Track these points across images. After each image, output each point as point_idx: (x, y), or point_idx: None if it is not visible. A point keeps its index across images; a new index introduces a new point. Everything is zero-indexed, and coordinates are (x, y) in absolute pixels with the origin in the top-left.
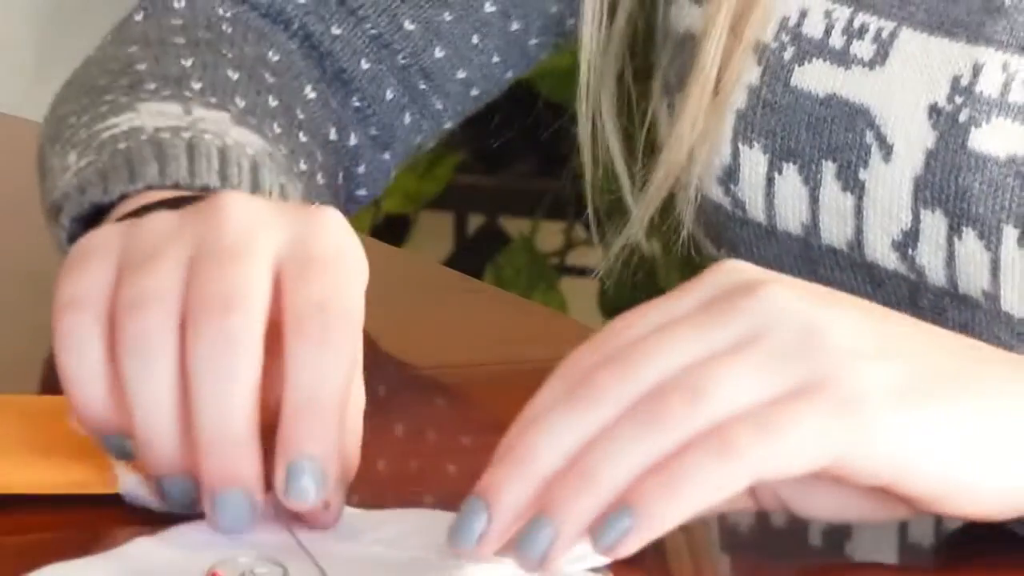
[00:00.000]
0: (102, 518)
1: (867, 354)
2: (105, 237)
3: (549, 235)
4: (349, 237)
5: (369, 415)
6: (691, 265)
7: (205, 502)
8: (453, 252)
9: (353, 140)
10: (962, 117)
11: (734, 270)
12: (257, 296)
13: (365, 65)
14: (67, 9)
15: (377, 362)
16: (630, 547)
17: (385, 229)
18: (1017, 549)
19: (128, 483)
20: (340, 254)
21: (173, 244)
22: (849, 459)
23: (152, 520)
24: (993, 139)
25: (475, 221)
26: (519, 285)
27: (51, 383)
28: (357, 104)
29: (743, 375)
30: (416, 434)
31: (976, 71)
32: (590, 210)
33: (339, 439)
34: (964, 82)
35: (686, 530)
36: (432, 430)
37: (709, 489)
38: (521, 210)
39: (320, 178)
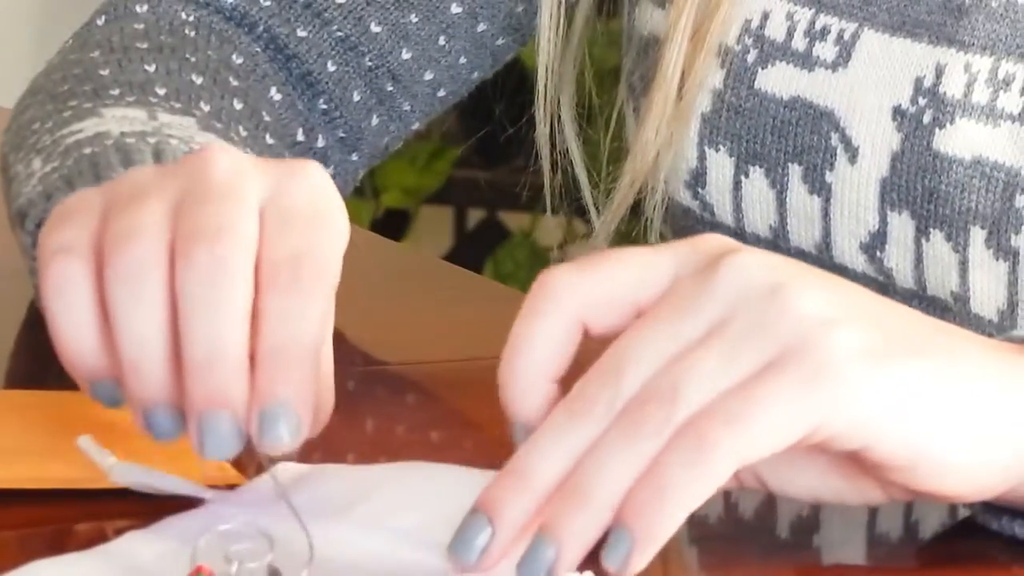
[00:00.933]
0: (100, 513)
1: (835, 319)
2: (86, 194)
3: (549, 229)
4: (330, 191)
5: (369, 410)
6: None
7: (191, 427)
8: (453, 246)
9: (320, 142)
10: (926, 119)
11: (705, 241)
12: (247, 229)
13: (331, 67)
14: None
15: (377, 356)
16: (638, 564)
17: (385, 224)
18: (992, 552)
19: (118, 471)
20: (320, 208)
21: (158, 187)
22: (825, 425)
23: (148, 513)
24: (958, 140)
25: (475, 215)
26: (519, 279)
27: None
28: (324, 106)
29: (713, 364)
30: (416, 429)
31: (939, 72)
32: (548, 212)
33: (313, 386)
34: (927, 83)
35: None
36: (431, 425)
37: (694, 489)
38: (521, 205)
39: None
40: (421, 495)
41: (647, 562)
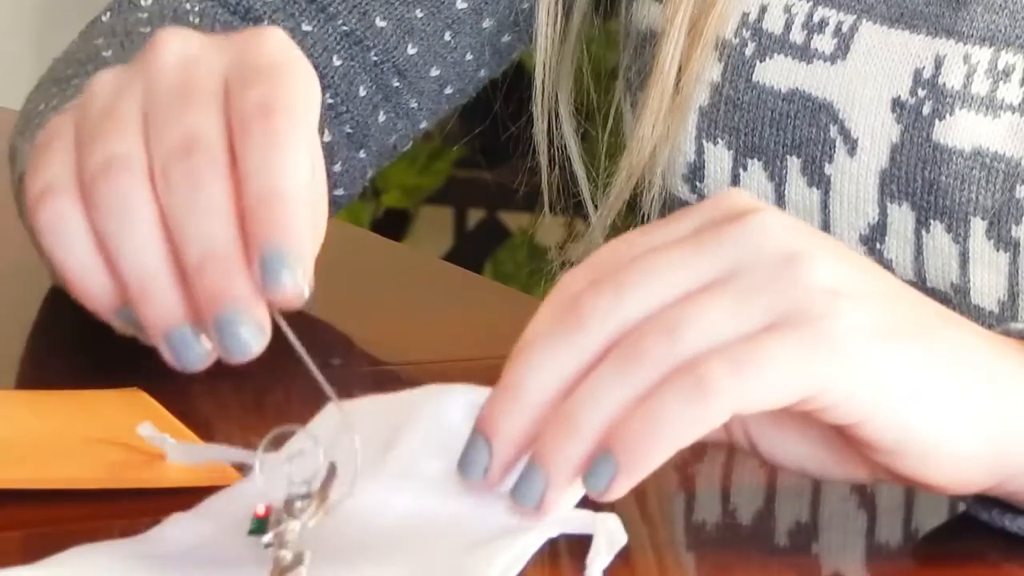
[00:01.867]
0: (100, 513)
1: (845, 292)
2: (57, 122)
3: (549, 229)
4: (292, 49)
5: None
6: None
7: (211, 337)
8: (453, 247)
9: (327, 136)
10: (926, 110)
11: (729, 197)
12: (212, 124)
13: (337, 62)
14: (67, 8)
15: (377, 356)
16: (619, 491)
17: (385, 224)
18: (984, 550)
19: (175, 451)
20: (282, 59)
21: (122, 101)
22: (823, 393)
23: (149, 513)
24: (957, 131)
25: (475, 215)
26: (519, 279)
27: (51, 380)
28: (330, 101)
29: (720, 312)
30: None
31: (938, 63)
32: (546, 209)
33: (307, 230)
34: (926, 75)
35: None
36: None
37: (687, 427)
38: (521, 205)
39: None
40: (446, 431)
41: (626, 491)
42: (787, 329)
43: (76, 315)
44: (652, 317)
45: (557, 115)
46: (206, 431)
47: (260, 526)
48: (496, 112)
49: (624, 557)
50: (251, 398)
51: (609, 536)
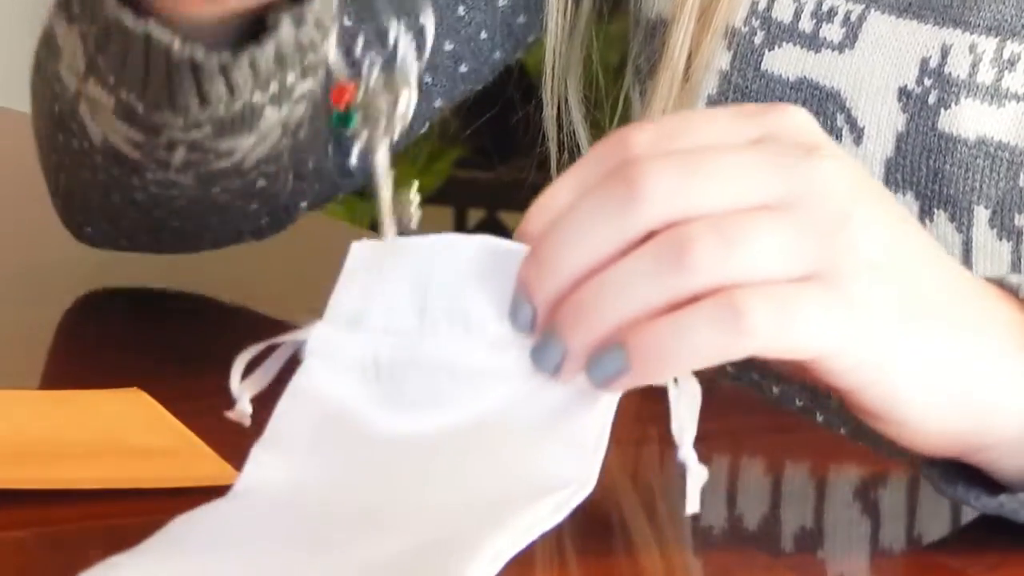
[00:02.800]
0: (100, 513)
1: (883, 263)
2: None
3: None
4: None
5: None
6: None
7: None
8: None
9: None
10: (931, 99)
11: (797, 118)
12: None
13: (348, 22)
14: None
15: None
16: (620, 387)
17: None
18: (978, 559)
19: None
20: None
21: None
22: (834, 358)
23: (149, 512)
24: (962, 120)
25: (475, 215)
26: None
27: (51, 381)
28: None
29: (777, 243)
30: None
31: (944, 53)
32: None
33: None
34: (933, 64)
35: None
36: None
37: (710, 353)
38: (521, 204)
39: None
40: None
41: (628, 388)
42: (824, 286)
43: (76, 315)
44: (710, 221)
45: (566, 101)
46: (206, 431)
47: (342, 118)
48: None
49: (630, 561)
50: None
51: (691, 401)
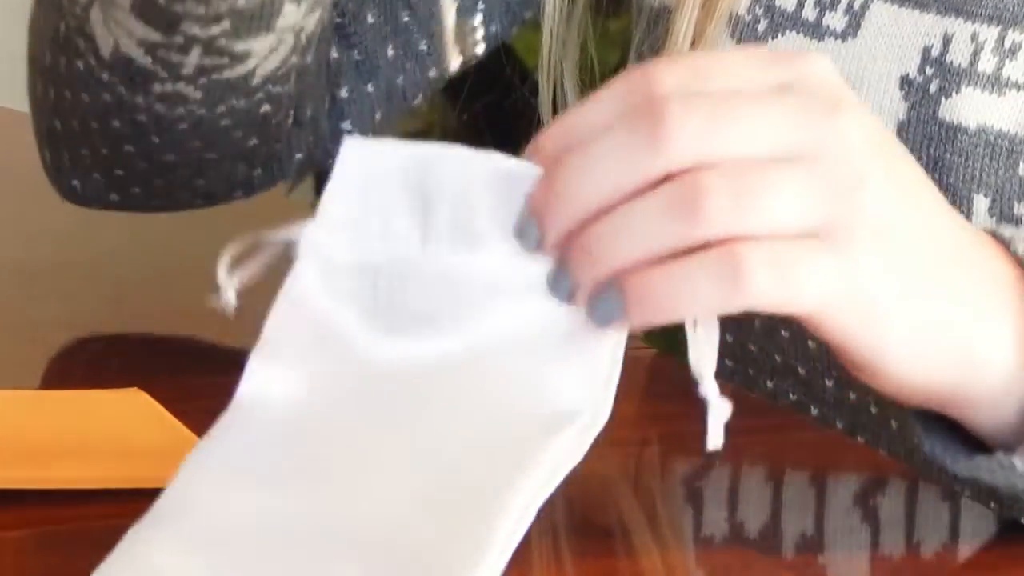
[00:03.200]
0: (100, 513)
1: (890, 227)
2: None
3: None
4: None
5: None
6: None
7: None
8: None
9: (335, 54)
10: (932, 88)
11: (821, 71)
12: None
13: None
14: None
15: None
16: (618, 329)
17: None
18: (979, 565)
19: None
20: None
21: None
22: (831, 314)
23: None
24: (963, 109)
25: None
26: None
27: (51, 381)
28: (338, 20)
29: (792, 201)
30: None
31: (946, 42)
32: None
33: None
34: (934, 53)
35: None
36: None
37: (705, 306)
38: None
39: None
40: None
41: (623, 329)
42: (829, 245)
43: (75, 315)
44: (727, 172)
45: (562, 86)
46: (206, 431)
47: None
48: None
49: (630, 562)
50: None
51: (709, 335)
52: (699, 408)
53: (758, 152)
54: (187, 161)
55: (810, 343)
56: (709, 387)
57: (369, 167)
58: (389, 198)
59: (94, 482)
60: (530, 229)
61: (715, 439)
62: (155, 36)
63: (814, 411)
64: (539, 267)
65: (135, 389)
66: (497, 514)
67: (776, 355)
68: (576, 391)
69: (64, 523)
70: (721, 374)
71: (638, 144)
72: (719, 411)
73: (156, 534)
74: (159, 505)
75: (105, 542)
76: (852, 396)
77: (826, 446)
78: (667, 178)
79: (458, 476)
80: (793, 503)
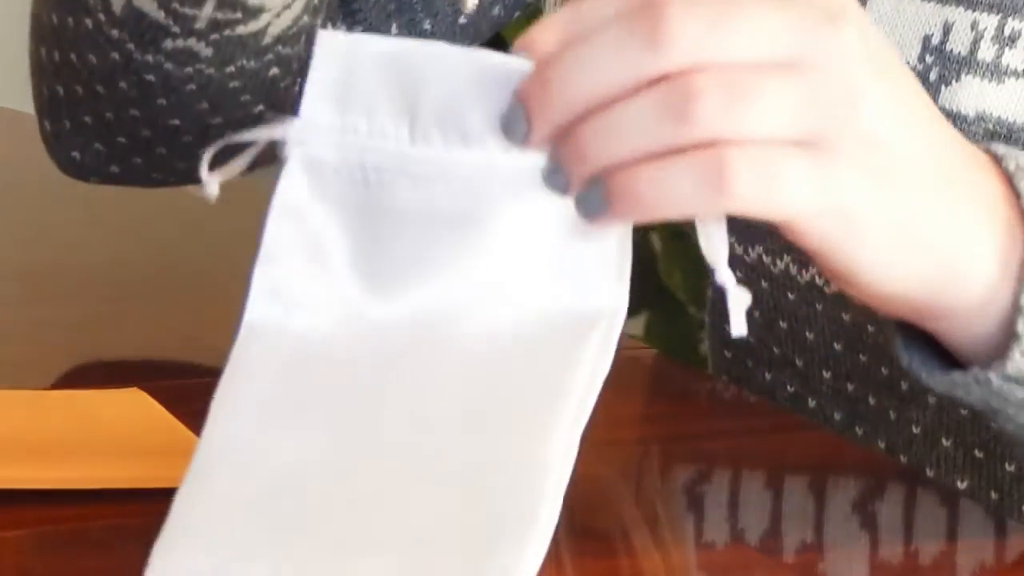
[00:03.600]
0: (100, 513)
1: (882, 142)
2: None
3: None
4: None
5: None
6: (693, 260)
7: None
8: None
9: (341, 27)
10: (932, 76)
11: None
12: None
13: None
14: None
15: None
16: (602, 225)
17: None
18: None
19: None
20: None
21: None
22: (811, 222)
23: (148, 513)
24: (962, 97)
25: None
26: None
27: (51, 381)
28: None
29: (786, 107)
30: None
31: (946, 30)
32: None
33: None
34: (935, 41)
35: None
36: None
37: (686, 207)
38: None
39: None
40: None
41: (606, 225)
42: (816, 155)
43: (75, 316)
44: (721, 75)
45: None
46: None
47: None
48: None
49: (630, 562)
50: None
51: (718, 223)
52: (699, 408)
53: (755, 58)
54: (192, 127)
55: (808, 335)
56: (725, 275)
57: (349, 63)
58: (372, 96)
59: (94, 482)
60: (518, 121)
61: (738, 326)
62: None
63: (811, 403)
64: (534, 162)
65: (135, 389)
66: (547, 431)
67: (774, 347)
68: (591, 290)
69: (64, 523)
70: (719, 367)
71: (635, 43)
72: (737, 299)
73: (205, 497)
74: (200, 457)
75: (105, 542)
76: (850, 387)
77: (826, 446)
78: (662, 80)
79: (494, 393)
80: (793, 503)
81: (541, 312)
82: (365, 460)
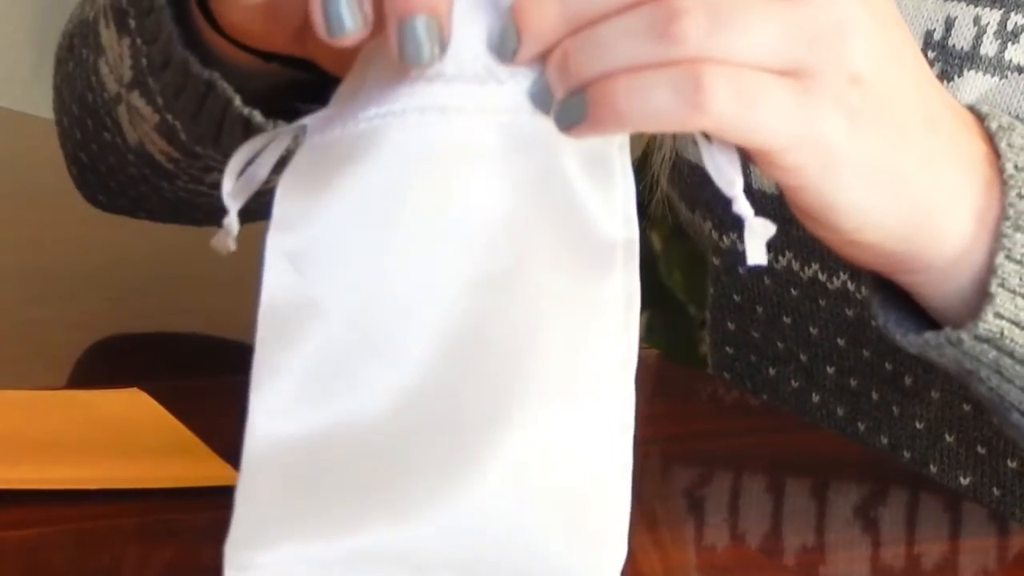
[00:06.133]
0: (100, 513)
1: (865, 79)
2: None
3: None
4: None
5: None
6: (693, 260)
7: (389, 29)
8: None
9: None
10: (935, 71)
11: None
12: None
13: None
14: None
15: None
16: (579, 135)
17: None
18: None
19: None
20: None
21: None
22: (783, 153)
23: (148, 513)
24: (965, 92)
25: None
26: None
27: (51, 381)
28: None
29: (766, 33)
30: None
31: (949, 25)
32: None
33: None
34: (937, 36)
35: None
36: None
37: (662, 119)
38: None
39: None
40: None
41: (582, 138)
42: (797, 85)
43: (76, 315)
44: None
45: None
46: (206, 431)
47: None
48: None
49: (629, 561)
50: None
51: (729, 155)
52: (700, 408)
53: None
54: (214, 215)
55: (811, 330)
56: (742, 206)
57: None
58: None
59: (94, 482)
60: (509, 36)
61: (755, 255)
62: (177, 155)
63: (815, 398)
64: (522, 82)
65: (135, 389)
66: (597, 373)
67: (778, 342)
68: (600, 217)
69: (64, 523)
70: (720, 364)
71: None
72: (755, 228)
73: (266, 485)
74: (250, 449)
75: (105, 542)
76: (853, 383)
77: (827, 447)
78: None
79: (539, 336)
80: (794, 502)
81: (560, 239)
82: (427, 413)
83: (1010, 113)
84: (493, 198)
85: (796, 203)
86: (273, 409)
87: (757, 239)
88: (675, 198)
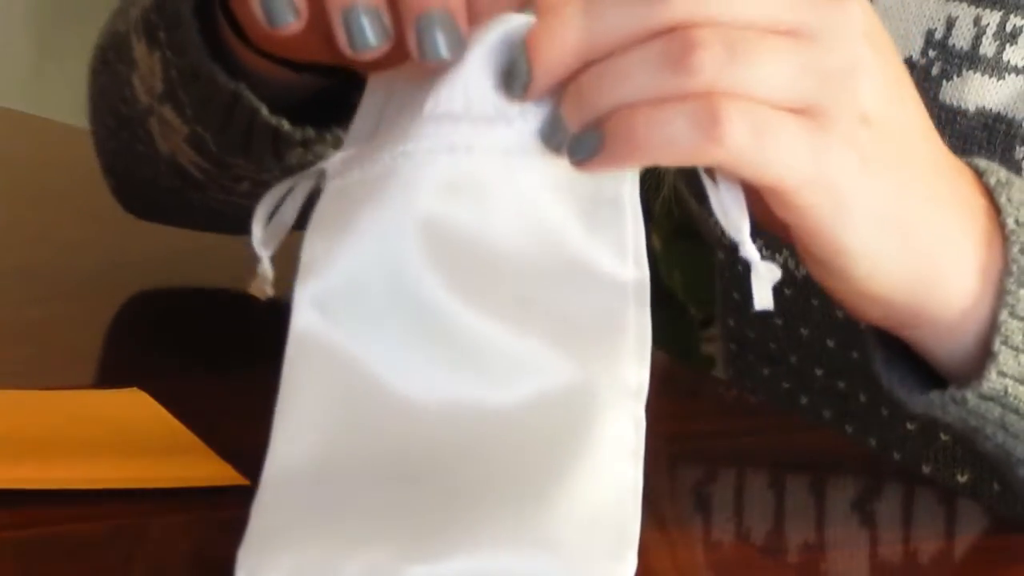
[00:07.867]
0: (100, 513)
1: (874, 120)
2: None
3: None
4: None
5: None
6: (693, 260)
7: (409, 33)
8: None
9: None
10: (934, 71)
11: None
12: None
13: None
14: (67, 8)
15: None
16: (594, 169)
17: None
18: (984, 529)
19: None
20: None
21: None
22: (797, 191)
23: (147, 513)
24: (963, 92)
25: None
26: None
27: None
28: None
29: (783, 69)
30: None
31: (949, 25)
32: None
33: None
34: (938, 36)
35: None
36: None
37: (678, 152)
38: None
39: None
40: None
41: (597, 168)
42: (810, 123)
43: (76, 315)
44: (724, 31)
45: None
46: (206, 431)
47: None
48: None
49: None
50: (252, 399)
51: (735, 198)
52: (703, 408)
53: (760, 21)
54: (246, 224)
55: (802, 331)
56: (749, 250)
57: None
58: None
59: (94, 482)
60: (520, 69)
61: (762, 300)
62: (207, 166)
63: (803, 400)
64: (531, 121)
65: (135, 389)
66: (611, 406)
67: (770, 342)
68: (612, 255)
69: (64, 523)
70: (727, 359)
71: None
72: (762, 272)
73: (286, 497)
74: (274, 455)
75: (105, 542)
76: (841, 384)
77: (828, 446)
78: (667, 32)
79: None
80: (795, 502)
81: (574, 280)
82: (441, 436)
83: (1008, 114)
84: (501, 241)
85: (806, 247)
86: (292, 436)
87: (764, 283)
88: (684, 191)
